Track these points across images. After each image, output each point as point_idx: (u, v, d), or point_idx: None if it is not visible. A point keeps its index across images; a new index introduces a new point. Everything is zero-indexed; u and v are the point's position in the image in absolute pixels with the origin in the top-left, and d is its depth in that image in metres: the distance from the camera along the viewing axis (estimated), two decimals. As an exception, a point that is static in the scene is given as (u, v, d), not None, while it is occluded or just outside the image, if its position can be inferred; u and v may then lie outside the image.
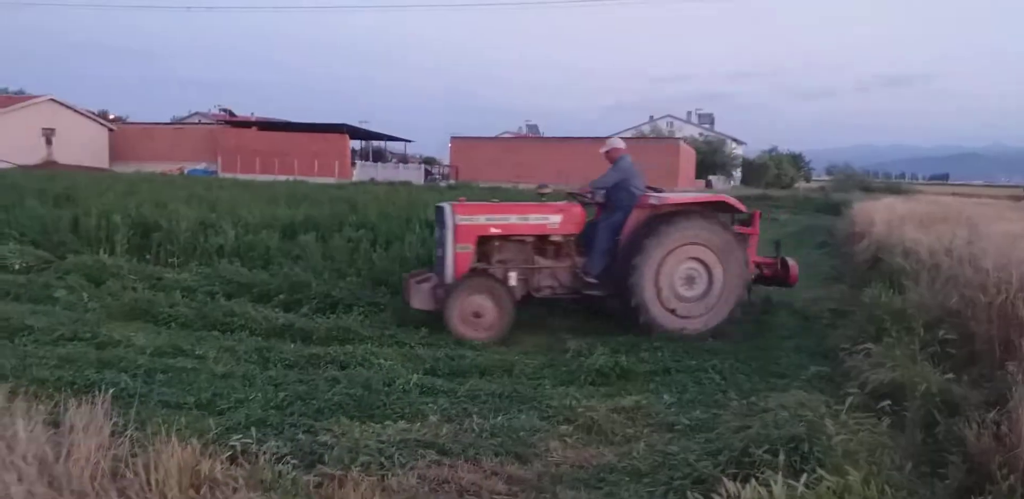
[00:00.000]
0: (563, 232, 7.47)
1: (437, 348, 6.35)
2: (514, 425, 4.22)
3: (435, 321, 7.42)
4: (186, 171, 44.60)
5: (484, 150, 53.12)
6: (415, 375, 5.20)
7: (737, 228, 7.55)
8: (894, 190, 38.59)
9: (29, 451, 2.97)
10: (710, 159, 62.88)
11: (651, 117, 78.22)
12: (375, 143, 63.14)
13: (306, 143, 49.27)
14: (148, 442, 3.12)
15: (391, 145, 64.60)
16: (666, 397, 4.94)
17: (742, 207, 7.49)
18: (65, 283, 8.34)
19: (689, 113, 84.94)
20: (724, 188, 54.51)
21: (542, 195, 7.88)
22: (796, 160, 74.48)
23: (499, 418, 4.36)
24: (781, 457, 3.32)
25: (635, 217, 7.33)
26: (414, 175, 49.89)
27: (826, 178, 73.05)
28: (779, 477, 3.03)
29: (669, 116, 79.11)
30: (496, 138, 63.86)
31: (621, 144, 8.06)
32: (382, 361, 5.63)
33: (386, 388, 4.88)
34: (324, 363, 5.66)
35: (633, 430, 4.36)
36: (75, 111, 54.02)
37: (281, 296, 8.01)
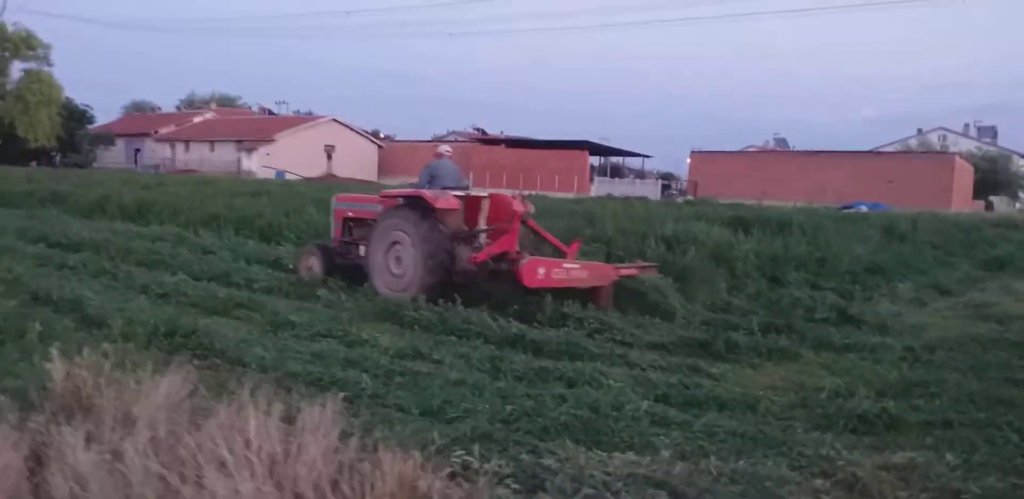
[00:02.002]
0: None
1: (670, 373, 5.93)
2: (759, 472, 3.69)
3: (668, 345, 7.01)
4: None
5: (726, 165, 51.21)
6: (646, 402, 4.83)
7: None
8: None
9: (263, 448, 3.06)
10: (991, 177, 55.33)
11: (919, 130, 70.65)
12: (613, 159, 63.54)
13: (549, 159, 50.82)
14: (373, 449, 3.08)
15: (628, 161, 64.59)
16: (949, 457, 4.09)
17: (434, 202, 8.35)
18: (327, 284, 9.05)
19: (967, 125, 75.46)
20: (1008, 211, 47.54)
21: None
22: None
23: (741, 462, 3.84)
24: None
25: None
26: (650, 190, 49.38)
27: None
28: None
29: (942, 128, 70.92)
30: (739, 152, 61.34)
31: (441, 149, 9.75)
32: (611, 382, 5.34)
33: (614, 413, 4.57)
34: (552, 378, 5.49)
35: (907, 494, 3.63)
36: (352, 130, 60.58)
37: (516, 307, 8.04)
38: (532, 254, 8.33)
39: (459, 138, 73.77)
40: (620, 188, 48.94)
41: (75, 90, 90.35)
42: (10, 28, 52.35)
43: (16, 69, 53.39)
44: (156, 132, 64.24)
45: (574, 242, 8.83)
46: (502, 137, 66.00)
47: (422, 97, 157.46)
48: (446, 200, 8.48)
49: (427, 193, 8.55)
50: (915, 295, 11.06)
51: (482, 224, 8.97)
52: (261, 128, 58.85)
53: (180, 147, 61.65)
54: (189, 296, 8.18)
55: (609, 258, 9.84)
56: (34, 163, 49.50)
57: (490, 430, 4.12)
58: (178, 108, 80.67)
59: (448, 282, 8.35)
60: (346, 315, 7.62)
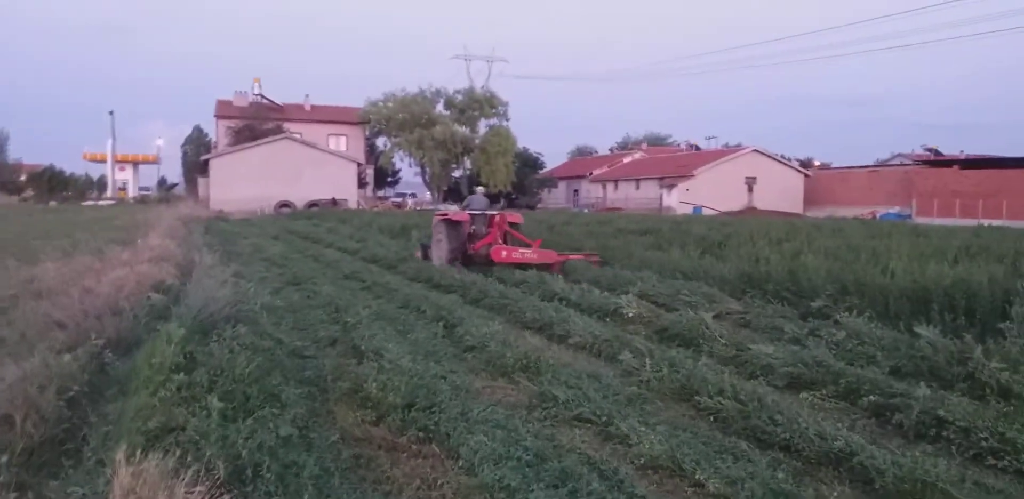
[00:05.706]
0: None
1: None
2: None
3: None
4: (878, 215, 42.24)
5: None
6: None
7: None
8: None
9: None
10: None
11: None
12: None
13: (1020, 181, 41.13)
14: None
15: None
16: None
17: (453, 217, 14.75)
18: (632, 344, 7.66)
19: None
20: None
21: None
22: None
23: None
24: None
25: None
26: None
27: None
28: None
29: None
30: None
31: (477, 189, 17.21)
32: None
33: None
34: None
35: None
36: (775, 159, 57.53)
37: (871, 398, 5.69)
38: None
39: (905, 161, 64.90)
40: None
41: (530, 140, 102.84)
42: (478, 91, 61.83)
43: (482, 126, 62.66)
44: (591, 174, 69.28)
45: (537, 240, 14.74)
46: (960, 157, 56.04)
47: (864, 120, 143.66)
48: (460, 215, 14.78)
49: (451, 212, 15.80)
50: None
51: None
52: (682, 164, 59.31)
53: (610, 186, 65.43)
54: (488, 351, 7.51)
55: None
56: (497, 206, 56.95)
57: None
58: (611, 151, 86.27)
59: (467, 260, 14.24)
60: (630, 391, 6.14)
